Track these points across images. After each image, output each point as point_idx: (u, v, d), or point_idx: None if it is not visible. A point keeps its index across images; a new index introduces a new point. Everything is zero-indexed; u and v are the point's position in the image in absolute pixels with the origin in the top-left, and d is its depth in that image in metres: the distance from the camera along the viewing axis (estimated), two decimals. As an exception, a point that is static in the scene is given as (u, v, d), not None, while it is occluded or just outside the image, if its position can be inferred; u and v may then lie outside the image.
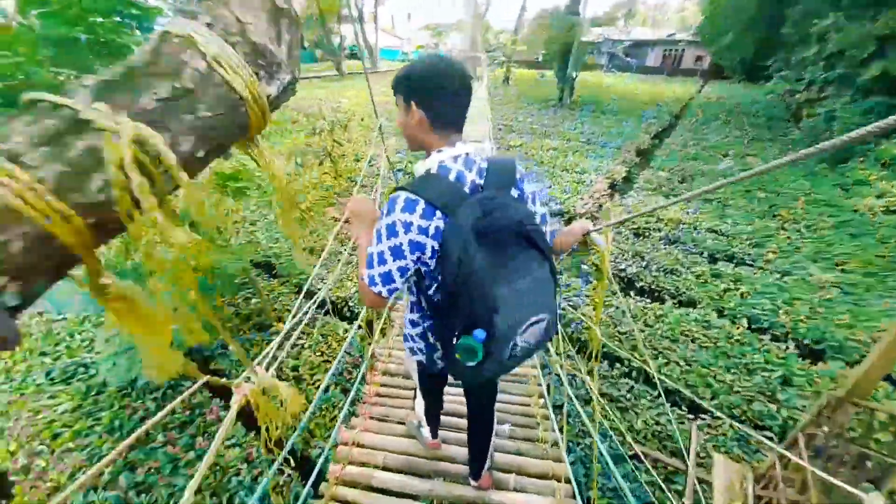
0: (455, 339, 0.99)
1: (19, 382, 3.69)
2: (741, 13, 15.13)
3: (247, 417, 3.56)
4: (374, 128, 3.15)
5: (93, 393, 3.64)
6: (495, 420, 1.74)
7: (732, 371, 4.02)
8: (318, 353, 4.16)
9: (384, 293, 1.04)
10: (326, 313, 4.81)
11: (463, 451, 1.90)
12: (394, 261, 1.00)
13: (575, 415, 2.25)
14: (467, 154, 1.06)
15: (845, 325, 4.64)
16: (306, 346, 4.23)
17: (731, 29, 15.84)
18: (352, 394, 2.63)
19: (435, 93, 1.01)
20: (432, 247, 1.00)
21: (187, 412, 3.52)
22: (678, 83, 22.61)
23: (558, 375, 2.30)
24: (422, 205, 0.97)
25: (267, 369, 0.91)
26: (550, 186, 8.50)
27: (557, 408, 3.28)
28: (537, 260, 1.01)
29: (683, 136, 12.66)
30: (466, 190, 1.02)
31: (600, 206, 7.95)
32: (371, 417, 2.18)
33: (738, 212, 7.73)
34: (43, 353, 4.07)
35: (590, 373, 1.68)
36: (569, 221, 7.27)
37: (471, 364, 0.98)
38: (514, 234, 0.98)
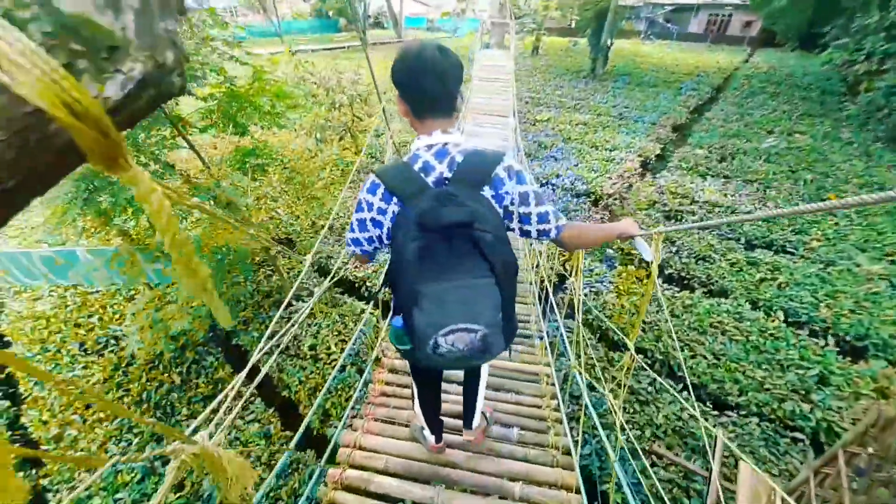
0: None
1: (54, 352, 3.88)
2: (798, -28, 13.69)
3: (266, 394, 3.65)
4: (380, 108, 2.99)
5: (123, 365, 3.79)
6: (483, 383, 1.76)
7: (764, 367, 3.82)
8: (335, 333, 4.19)
9: (357, 252, 1.21)
10: (343, 293, 4.82)
11: (467, 456, 1.85)
12: (360, 231, 1.14)
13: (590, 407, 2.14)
14: (444, 144, 1.06)
15: (892, 322, 4.32)
16: (324, 325, 4.27)
17: (786, -10, 14.39)
18: (365, 375, 2.59)
19: (403, 82, 1.02)
20: (388, 227, 1.09)
21: (210, 387, 3.63)
22: (723, 52, 20.99)
23: (575, 375, 2.19)
24: (382, 189, 1.06)
25: (216, 428, 0.83)
26: (577, 165, 8.15)
27: (574, 398, 3.19)
28: (480, 268, 0.97)
29: (725, 109, 11.84)
30: (431, 181, 1.04)
31: (630, 185, 7.58)
32: (375, 419, 2.08)
33: (780, 194, 7.22)
34: (77, 325, 4.26)
35: (618, 384, 1.57)
36: (595, 202, 6.97)
37: (403, 348, 1.06)
38: (462, 235, 0.96)
